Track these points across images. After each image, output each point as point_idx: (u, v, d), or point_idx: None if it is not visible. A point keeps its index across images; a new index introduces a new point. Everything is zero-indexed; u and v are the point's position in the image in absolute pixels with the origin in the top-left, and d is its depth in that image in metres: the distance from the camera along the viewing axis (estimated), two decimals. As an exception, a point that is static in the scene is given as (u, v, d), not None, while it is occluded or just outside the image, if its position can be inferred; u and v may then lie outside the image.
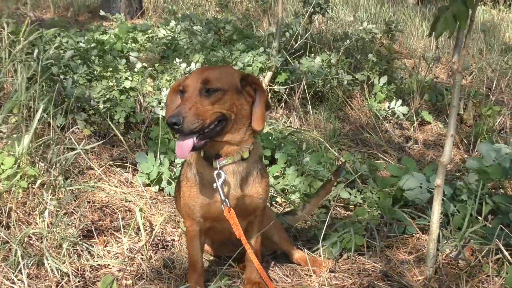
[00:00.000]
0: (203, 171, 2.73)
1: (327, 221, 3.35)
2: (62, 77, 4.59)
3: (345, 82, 5.97)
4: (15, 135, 3.74)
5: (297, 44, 6.15)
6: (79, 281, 2.86)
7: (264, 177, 2.85)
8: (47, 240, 3.08)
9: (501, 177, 3.85)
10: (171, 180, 4.05)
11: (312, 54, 6.30)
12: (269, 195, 3.45)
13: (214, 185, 2.66)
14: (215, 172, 2.65)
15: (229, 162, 2.68)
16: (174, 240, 3.42)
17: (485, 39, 9.08)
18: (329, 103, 5.84)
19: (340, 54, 6.26)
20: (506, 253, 3.01)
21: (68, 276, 2.86)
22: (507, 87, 6.89)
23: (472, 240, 3.35)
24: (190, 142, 2.48)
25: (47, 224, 3.22)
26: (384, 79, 6.05)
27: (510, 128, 5.74)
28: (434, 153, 5.35)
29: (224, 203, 2.66)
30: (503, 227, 3.19)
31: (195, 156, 2.77)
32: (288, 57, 5.87)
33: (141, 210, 3.54)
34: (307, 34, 6.27)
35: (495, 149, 4.06)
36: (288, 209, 3.94)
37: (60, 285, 2.80)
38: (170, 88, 2.76)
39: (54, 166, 3.64)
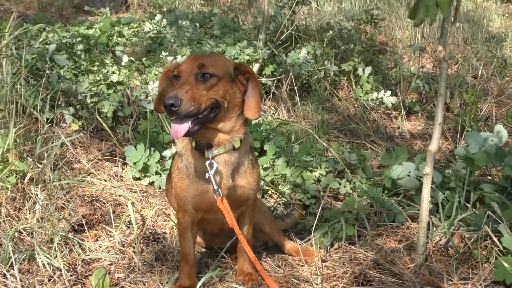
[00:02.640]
0: (194, 162, 2.72)
1: (318, 213, 3.36)
2: (48, 71, 4.56)
3: (332, 73, 5.98)
4: (2, 131, 3.72)
5: (283, 36, 6.15)
6: (71, 275, 2.85)
7: (255, 168, 2.86)
8: (38, 235, 3.07)
9: (485, 164, 3.88)
10: (159, 172, 4.04)
11: (298, 45, 6.30)
12: (260, 186, 3.46)
13: (207, 175, 2.66)
14: (207, 162, 2.65)
15: (221, 151, 2.68)
16: (165, 233, 3.42)
17: (470, 28, 9.12)
18: (316, 94, 5.85)
19: (324, 45, 6.27)
20: (495, 239, 3.05)
21: (60, 270, 2.84)
22: (493, 75, 6.93)
23: (461, 228, 3.38)
24: (186, 125, 2.49)
25: (38, 219, 3.20)
26: (369, 70, 6.07)
27: (496, 116, 5.79)
28: (422, 142, 5.38)
29: (217, 192, 2.66)
30: (491, 214, 3.21)
31: (186, 147, 2.77)
32: (274, 50, 5.87)
33: (132, 203, 3.54)
34: (292, 26, 6.27)
35: (482, 138, 4.10)
36: (280, 201, 3.96)
37: (52, 279, 2.79)
38: (161, 73, 2.76)
39: (42, 161, 3.62)
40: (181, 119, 2.49)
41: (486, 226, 3.10)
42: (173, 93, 2.47)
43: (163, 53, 5.10)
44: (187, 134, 2.51)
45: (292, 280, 3.00)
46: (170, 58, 4.98)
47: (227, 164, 2.72)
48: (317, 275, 3.03)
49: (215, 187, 2.66)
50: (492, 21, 10.25)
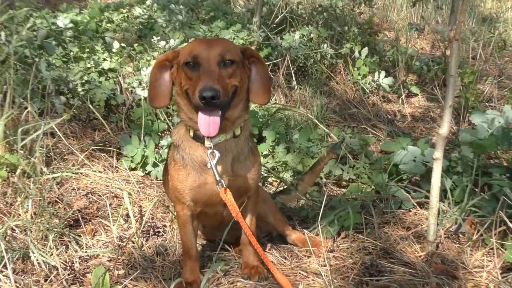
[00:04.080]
0: (192, 152, 2.58)
1: (324, 200, 3.22)
2: (37, 59, 4.38)
3: (328, 56, 5.83)
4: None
5: (278, 19, 6.00)
6: (68, 274, 2.70)
7: (256, 156, 2.74)
8: (31, 231, 2.92)
9: (496, 150, 3.74)
10: (157, 163, 3.90)
11: (292, 29, 6.15)
12: (261, 175, 3.31)
13: (208, 165, 2.52)
14: (209, 151, 2.51)
15: (222, 139, 2.54)
16: (165, 226, 3.27)
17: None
18: (313, 78, 5.70)
19: (319, 27, 6.11)
20: (510, 224, 2.92)
21: (57, 269, 2.70)
22: (491, 56, 6.81)
23: (471, 214, 3.26)
24: (218, 118, 2.36)
25: (31, 215, 3.05)
26: (365, 51, 5.92)
27: (498, 98, 5.67)
28: (423, 125, 5.25)
29: (220, 183, 2.52)
30: (506, 198, 3.09)
31: (183, 137, 2.63)
32: (269, 33, 5.71)
33: (129, 194, 3.39)
34: (287, 9, 6.12)
35: (487, 118, 3.97)
36: (281, 188, 3.82)
37: (49, 279, 2.64)
38: (155, 63, 2.59)
39: (34, 153, 3.45)
40: (212, 111, 2.34)
41: (500, 212, 2.97)
42: (206, 83, 2.29)
43: (155, 38, 4.93)
44: (219, 123, 2.38)
45: (300, 273, 2.87)
46: (162, 43, 4.81)
47: (228, 153, 2.58)
48: (325, 266, 2.90)
49: (218, 178, 2.52)
50: (484, 2, 10.13)
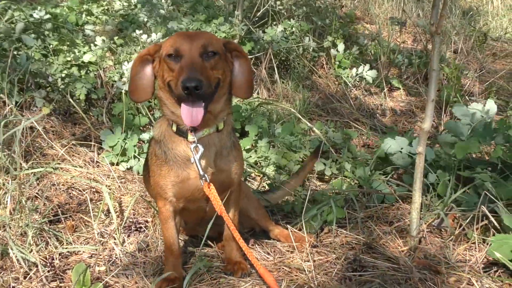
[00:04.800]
0: (176, 147, 2.55)
1: (308, 196, 3.21)
2: (15, 52, 4.30)
3: (311, 49, 5.81)
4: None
5: (260, 13, 5.96)
6: (48, 271, 2.66)
7: (238, 150, 2.73)
8: (10, 228, 2.86)
9: (479, 150, 3.72)
10: (137, 156, 3.85)
11: (275, 23, 6.11)
12: (243, 169, 3.29)
13: (191, 159, 2.50)
14: (192, 145, 2.48)
15: (206, 134, 2.52)
16: (147, 221, 3.23)
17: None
18: (295, 72, 5.68)
19: (300, 21, 6.08)
20: (492, 219, 2.93)
21: (36, 266, 2.66)
22: (472, 49, 6.84)
23: (453, 208, 3.27)
24: (201, 109, 2.33)
25: (10, 211, 2.99)
26: (342, 47, 5.89)
27: (479, 92, 5.69)
28: (406, 119, 5.26)
29: (203, 178, 2.49)
30: (487, 193, 3.09)
31: (164, 132, 2.60)
32: (251, 27, 5.68)
33: (110, 189, 3.35)
34: (268, 2, 6.08)
35: (469, 112, 3.96)
36: (264, 184, 3.80)
37: (28, 276, 2.60)
38: (137, 57, 2.55)
39: (12, 148, 3.38)
40: (195, 102, 2.32)
41: (482, 206, 2.98)
42: (188, 74, 2.28)
43: (137, 32, 4.86)
44: (202, 114, 2.35)
45: (283, 268, 2.85)
46: (144, 36, 4.75)
47: (211, 147, 2.56)
48: (309, 261, 2.89)
49: (201, 173, 2.49)
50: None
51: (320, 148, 3.75)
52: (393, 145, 3.77)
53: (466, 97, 5.44)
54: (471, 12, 8.79)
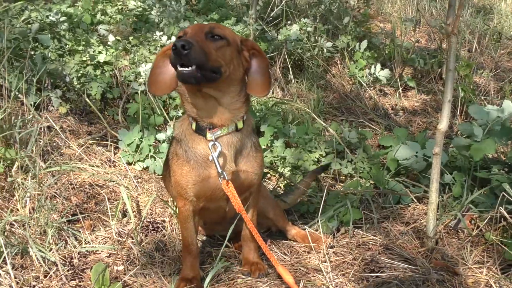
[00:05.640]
0: (196, 146, 2.56)
1: (324, 196, 3.21)
2: (32, 52, 4.34)
3: (325, 50, 5.80)
4: (-14, 116, 3.51)
5: (274, 12, 5.96)
6: (68, 270, 2.68)
7: (259, 151, 2.71)
8: (30, 227, 2.89)
9: (495, 151, 3.70)
10: (154, 156, 3.87)
11: (289, 22, 6.11)
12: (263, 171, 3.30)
13: (210, 157, 2.50)
14: (210, 143, 2.50)
15: (224, 132, 2.52)
16: (164, 221, 3.25)
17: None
18: (310, 71, 5.67)
19: (317, 21, 6.08)
20: (511, 220, 2.92)
21: (56, 265, 2.68)
22: (487, 48, 6.80)
23: (470, 209, 3.26)
24: (192, 69, 2.27)
25: (29, 210, 3.02)
26: (364, 44, 5.88)
27: (494, 91, 5.67)
28: (421, 119, 5.24)
29: (222, 176, 2.50)
30: (505, 194, 3.08)
31: (185, 131, 2.61)
32: (264, 27, 5.68)
33: (127, 189, 3.37)
34: (282, 2, 6.08)
35: (485, 112, 3.94)
36: (280, 185, 3.82)
37: (49, 275, 2.62)
38: (160, 51, 2.58)
39: (30, 147, 3.41)
40: (189, 63, 2.26)
41: (500, 208, 2.97)
42: (183, 39, 2.27)
43: (157, 33, 4.87)
44: (192, 80, 2.31)
45: (301, 269, 2.86)
46: (164, 38, 4.76)
47: (230, 147, 2.56)
48: (326, 262, 2.89)
49: (219, 170, 2.50)
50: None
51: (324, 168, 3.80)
52: (405, 151, 3.76)
53: (481, 96, 5.41)
54: (484, 11, 8.73)
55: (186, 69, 2.27)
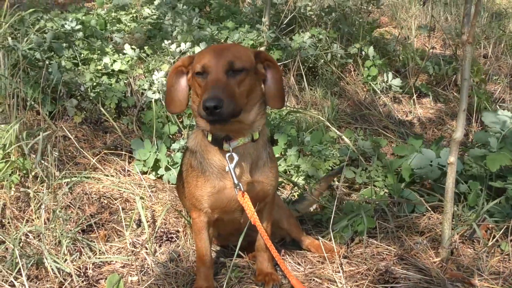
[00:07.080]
0: (211, 157, 2.56)
1: (335, 205, 3.20)
2: (47, 62, 4.37)
3: (339, 56, 5.79)
4: (2, 126, 3.54)
5: (287, 19, 5.96)
6: (82, 281, 2.69)
7: (274, 161, 2.72)
8: (45, 237, 2.91)
9: (511, 163, 3.66)
10: (169, 167, 3.88)
11: (301, 30, 6.10)
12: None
13: (226, 168, 2.51)
14: (227, 154, 2.50)
15: (241, 143, 2.52)
16: (178, 231, 3.26)
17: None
18: (324, 79, 5.66)
19: (329, 28, 6.07)
20: (528, 231, 2.90)
21: (71, 276, 2.69)
22: (503, 54, 6.74)
23: (486, 219, 3.24)
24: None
25: (44, 221, 3.03)
26: (371, 51, 5.84)
27: (510, 98, 5.62)
28: (436, 127, 5.21)
29: (238, 187, 2.50)
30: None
31: (200, 143, 2.61)
32: (278, 34, 5.68)
33: (141, 199, 3.38)
34: (296, 9, 6.07)
35: (499, 119, 3.90)
36: (294, 194, 3.81)
37: (64, 286, 2.63)
38: (172, 68, 2.59)
39: (46, 157, 3.43)
40: (223, 119, 2.32)
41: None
42: (211, 93, 2.28)
43: (166, 42, 4.89)
44: (222, 122, 2.37)
45: (314, 279, 2.85)
46: (173, 46, 4.78)
47: (247, 157, 2.57)
48: (339, 272, 2.88)
49: (235, 181, 2.50)
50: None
51: (340, 170, 3.80)
52: (419, 160, 3.74)
53: (497, 104, 5.37)
54: (499, 15, 8.65)
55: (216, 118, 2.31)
